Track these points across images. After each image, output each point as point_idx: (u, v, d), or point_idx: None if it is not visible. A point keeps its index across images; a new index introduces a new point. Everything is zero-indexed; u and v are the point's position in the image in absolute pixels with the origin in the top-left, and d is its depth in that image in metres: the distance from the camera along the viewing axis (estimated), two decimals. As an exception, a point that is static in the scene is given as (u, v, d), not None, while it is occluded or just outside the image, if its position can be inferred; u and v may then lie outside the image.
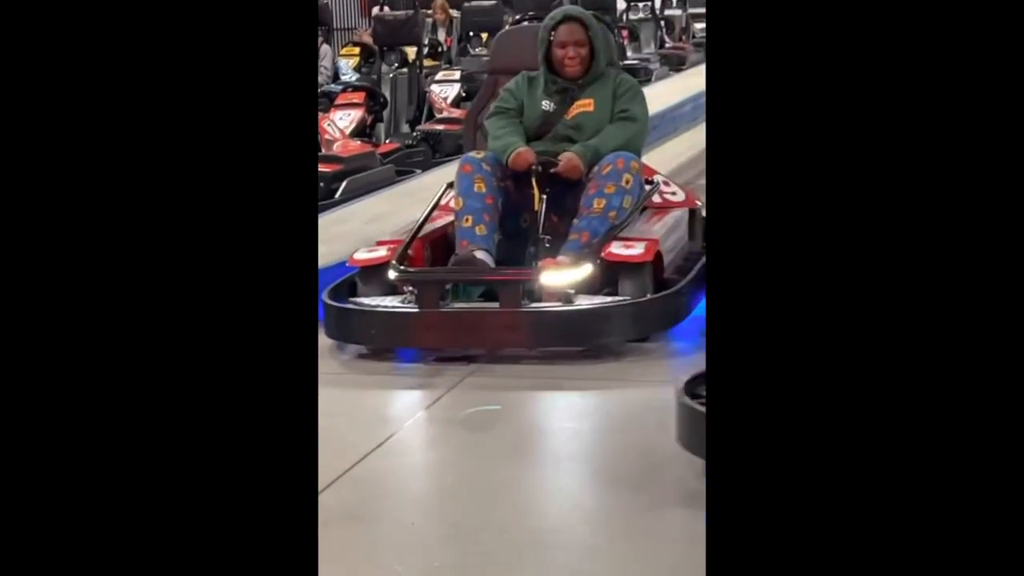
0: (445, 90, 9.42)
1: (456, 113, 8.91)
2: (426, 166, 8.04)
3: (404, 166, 8.03)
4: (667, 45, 15.49)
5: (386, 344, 4.05)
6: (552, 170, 4.23)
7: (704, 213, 4.68)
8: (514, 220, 4.30)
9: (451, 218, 4.37)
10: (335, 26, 13.05)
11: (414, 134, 8.94)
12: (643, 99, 4.48)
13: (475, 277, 4.07)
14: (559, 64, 4.40)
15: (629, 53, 14.19)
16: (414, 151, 8.50)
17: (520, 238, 4.29)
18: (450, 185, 4.49)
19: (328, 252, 4.81)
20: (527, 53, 4.59)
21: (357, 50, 10.18)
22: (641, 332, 4.00)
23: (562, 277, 3.94)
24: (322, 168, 7.24)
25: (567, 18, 4.41)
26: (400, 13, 10.14)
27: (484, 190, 4.22)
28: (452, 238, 4.31)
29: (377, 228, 5.22)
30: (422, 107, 9.28)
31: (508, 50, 5.02)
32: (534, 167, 4.21)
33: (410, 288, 4.00)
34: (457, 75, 9.68)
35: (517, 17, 5.23)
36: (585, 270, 3.97)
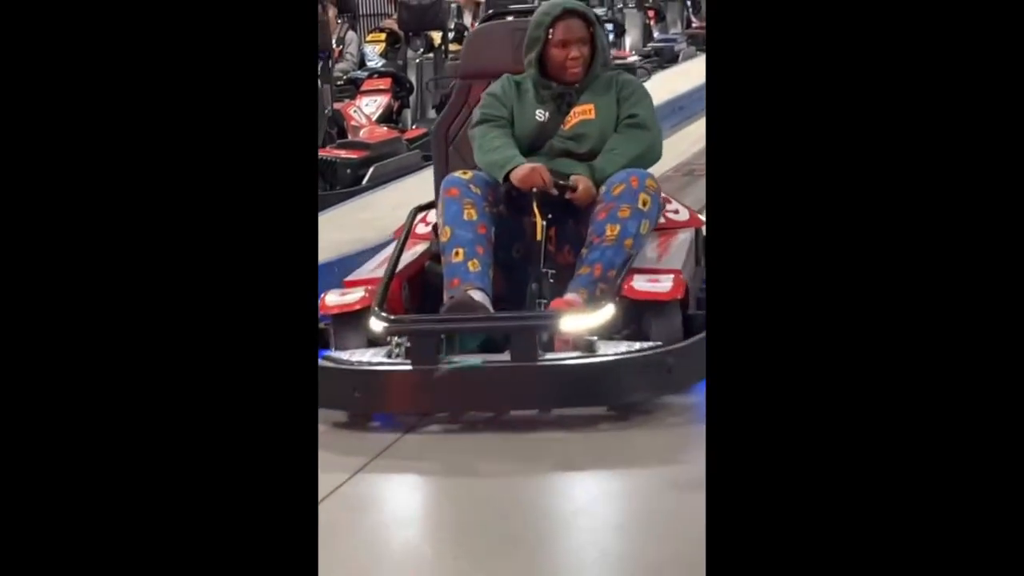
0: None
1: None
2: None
3: (431, 151, 8.02)
4: (694, 25, 15.43)
5: (373, 409, 3.38)
6: (568, 196, 3.57)
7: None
8: (506, 251, 3.62)
9: (423, 247, 3.83)
10: (361, 12, 13.05)
11: (440, 119, 8.92)
12: (651, 103, 3.82)
13: (482, 325, 3.34)
14: (558, 66, 3.71)
15: (656, 33, 14.17)
16: (441, 136, 8.49)
17: (515, 273, 3.62)
18: (420, 208, 3.97)
19: (354, 240, 4.82)
20: (505, 54, 3.96)
21: (383, 36, 10.17)
22: (680, 385, 3.31)
23: (584, 321, 3.29)
24: (349, 155, 7.27)
25: (567, 12, 3.69)
26: (425, -2, 10.13)
27: (475, 218, 3.53)
28: (430, 273, 3.73)
29: (404, 214, 5.23)
30: (449, 92, 9.26)
31: (483, 51, 4.17)
32: (535, 190, 3.54)
33: (398, 340, 3.33)
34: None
35: (490, 12, 4.32)
36: (608, 312, 3.31)
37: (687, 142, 7.76)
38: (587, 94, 3.74)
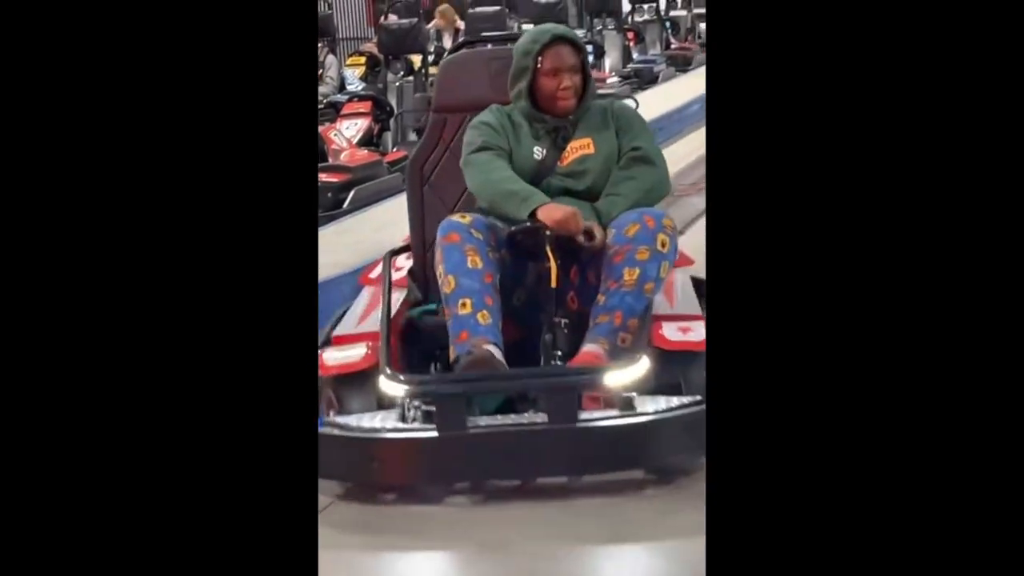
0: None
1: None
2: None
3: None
4: (673, 46, 15.48)
5: (394, 480, 3.05)
6: (586, 243, 3.23)
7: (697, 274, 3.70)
8: (505, 299, 3.28)
9: (399, 295, 3.52)
10: (341, 36, 13.07)
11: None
12: (651, 133, 3.55)
13: (517, 383, 3.06)
14: (548, 97, 3.44)
15: (635, 55, 14.22)
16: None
17: (518, 322, 3.30)
18: (394, 253, 3.72)
19: (336, 263, 4.82)
20: (481, 85, 3.71)
21: (363, 59, 10.20)
22: None
23: (626, 376, 2.98)
24: (330, 178, 7.28)
25: (557, 39, 3.43)
26: (405, 21, 10.16)
27: (480, 265, 3.21)
28: (420, 325, 3.47)
29: (385, 236, 5.22)
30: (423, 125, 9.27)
31: (457, 82, 3.81)
32: (550, 232, 3.19)
33: (416, 403, 3.00)
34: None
35: (462, 40, 3.79)
36: (644, 365, 3.02)
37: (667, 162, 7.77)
38: (583, 127, 3.47)
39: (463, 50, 4.00)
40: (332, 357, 3.21)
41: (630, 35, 14.40)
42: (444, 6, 12.21)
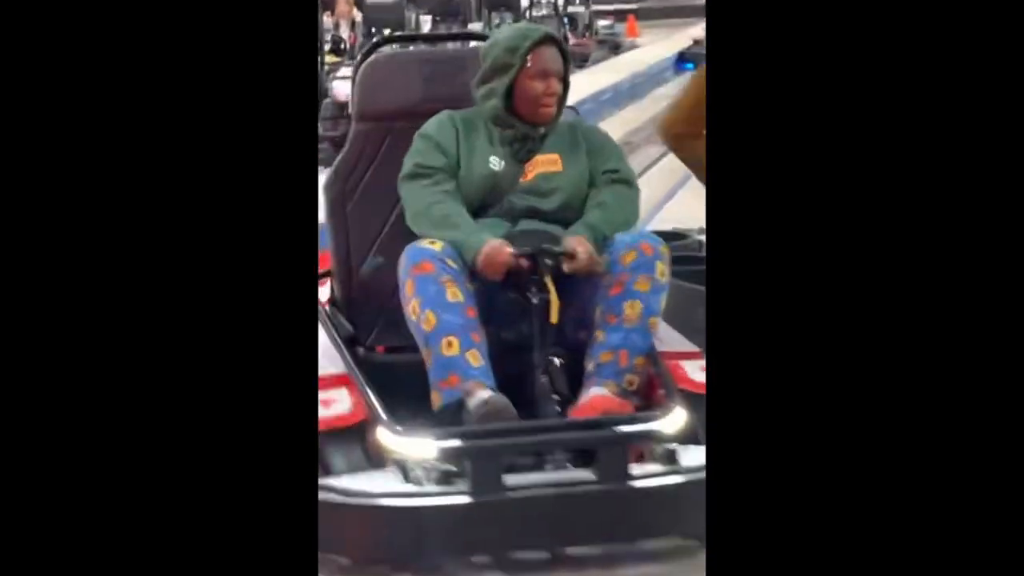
0: (348, 87, 9.39)
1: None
2: (329, 164, 8.03)
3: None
4: (570, 42, 15.61)
5: (416, 555, 2.61)
6: (566, 267, 2.85)
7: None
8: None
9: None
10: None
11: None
12: (625, 154, 3.20)
13: (561, 437, 2.68)
14: (530, 101, 3.02)
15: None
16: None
17: (501, 361, 2.85)
18: (324, 275, 3.34)
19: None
20: (412, 91, 3.30)
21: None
22: None
23: (672, 424, 2.67)
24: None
25: (549, 39, 3.06)
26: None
27: (461, 299, 2.81)
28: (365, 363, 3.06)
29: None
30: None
31: (383, 87, 3.35)
32: (549, 261, 2.85)
33: (429, 463, 2.57)
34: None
35: (381, 39, 3.25)
36: (681, 414, 2.70)
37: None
38: (552, 143, 3.07)
39: (383, 50, 3.55)
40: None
41: (528, 30, 14.49)
42: (344, -8, 12.18)
